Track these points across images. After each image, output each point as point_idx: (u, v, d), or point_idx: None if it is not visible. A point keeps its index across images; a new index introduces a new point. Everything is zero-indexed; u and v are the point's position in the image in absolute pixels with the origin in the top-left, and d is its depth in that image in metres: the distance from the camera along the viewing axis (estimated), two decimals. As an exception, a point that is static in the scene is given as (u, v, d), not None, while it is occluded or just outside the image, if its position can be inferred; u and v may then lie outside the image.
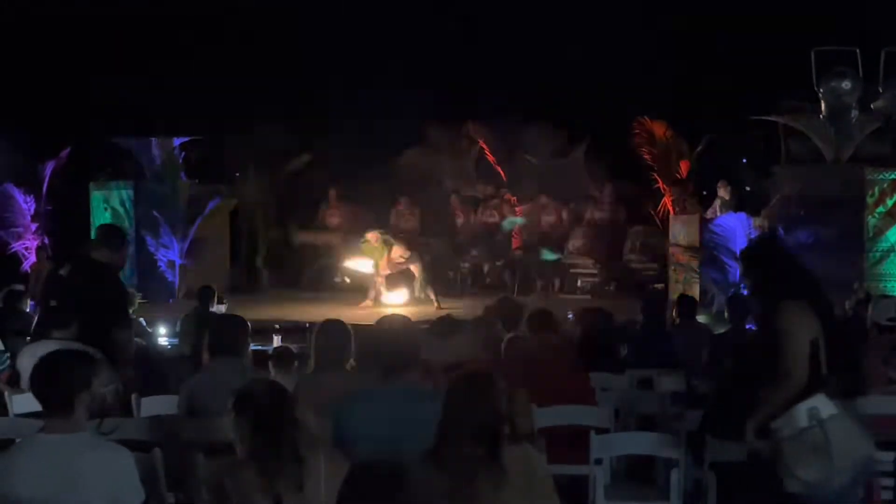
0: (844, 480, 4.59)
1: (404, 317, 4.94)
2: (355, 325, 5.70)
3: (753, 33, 17.31)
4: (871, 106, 13.25)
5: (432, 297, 14.41)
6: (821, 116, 13.17)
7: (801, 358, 4.57)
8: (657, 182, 16.90)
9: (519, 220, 16.97)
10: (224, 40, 18.47)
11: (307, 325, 11.31)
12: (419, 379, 4.69)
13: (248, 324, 5.92)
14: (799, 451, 4.51)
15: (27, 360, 6.77)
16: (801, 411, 4.51)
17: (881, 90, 13.24)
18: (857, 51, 13.13)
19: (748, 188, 15.07)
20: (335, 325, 5.56)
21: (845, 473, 4.56)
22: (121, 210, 15.96)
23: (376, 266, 14.51)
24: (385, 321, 4.82)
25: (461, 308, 12.56)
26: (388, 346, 4.64)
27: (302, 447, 3.85)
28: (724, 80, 16.73)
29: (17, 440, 5.00)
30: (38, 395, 4.03)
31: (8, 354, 7.73)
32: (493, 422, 3.86)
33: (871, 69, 13.15)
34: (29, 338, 7.58)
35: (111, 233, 7.41)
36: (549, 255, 16.08)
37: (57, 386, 3.94)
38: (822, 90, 13.09)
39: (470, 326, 6.50)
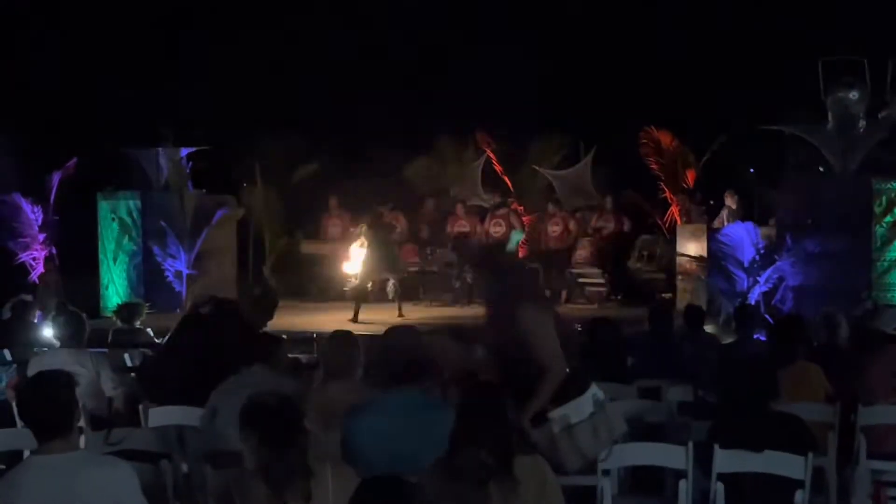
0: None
1: (412, 327, 4.97)
2: (363, 336, 5.73)
3: (761, 42, 17.30)
4: (879, 116, 13.24)
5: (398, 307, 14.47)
6: (828, 126, 13.15)
7: (555, 351, 4.97)
8: (664, 191, 16.89)
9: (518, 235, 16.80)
10: (231, 50, 18.50)
11: (314, 335, 11.31)
12: (434, 386, 4.72)
13: (283, 337, 6.01)
14: (588, 432, 4.94)
15: (36, 369, 6.78)
16: (588, 399, 4.99)
17: (888, 100, 13.22)
18: (865, 61, 13.11)
19: (755, 198, 15.04)
20: (344, 336, 5.60)
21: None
22: (128, 220, 15.97)
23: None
24: (392, 332, 4.85)
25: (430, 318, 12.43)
26: (396, 356, 4.65)
27: (310, 458, 3.85)
28: (732, 90, 16.72)
29: (21, 456, 5.01)
30: (35, 419, 3.87)
31: (15, 366, 7.73)
32: (504, 432, 3.87)
33: (878, 79, 13.14)
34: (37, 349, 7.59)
35: (267, 301, 7.28)
36: None
37: (58, 408, 3.84)
38: (829, 100, 13.08)
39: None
